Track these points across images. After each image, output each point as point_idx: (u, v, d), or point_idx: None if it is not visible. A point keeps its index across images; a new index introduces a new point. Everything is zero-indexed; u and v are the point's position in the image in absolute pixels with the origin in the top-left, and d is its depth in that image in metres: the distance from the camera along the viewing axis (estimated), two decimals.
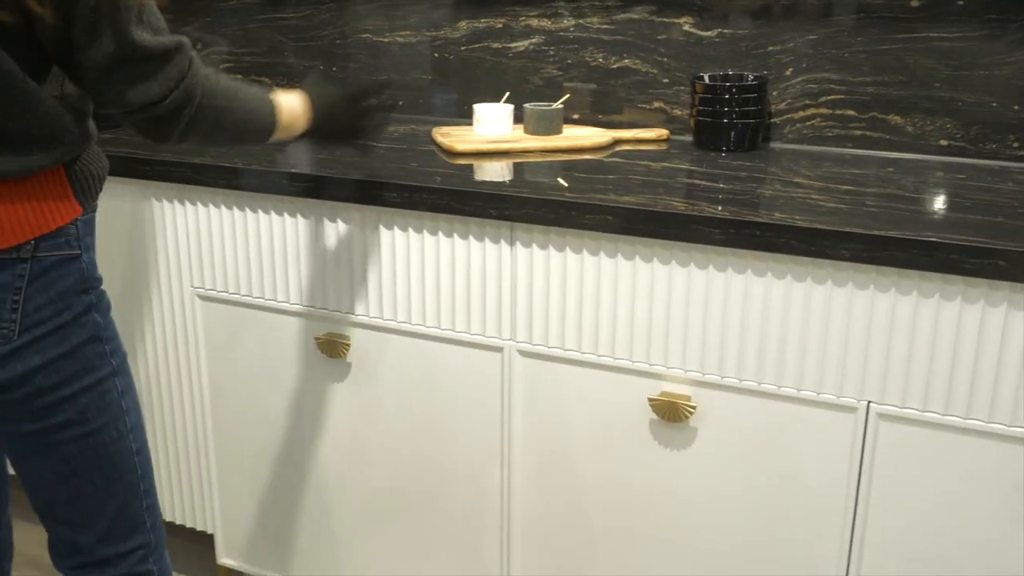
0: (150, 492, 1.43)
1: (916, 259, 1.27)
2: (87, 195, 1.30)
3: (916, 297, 1.31)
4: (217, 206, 1.77)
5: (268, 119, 1.38)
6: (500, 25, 2.07)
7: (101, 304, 1.34)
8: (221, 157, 1.77)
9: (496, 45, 2.08)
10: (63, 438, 1.31)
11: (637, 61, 1.97)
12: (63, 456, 1.32)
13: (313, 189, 1.65)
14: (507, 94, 2.08)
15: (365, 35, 2.20)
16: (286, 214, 1.71)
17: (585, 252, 1.49)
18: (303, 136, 1.47)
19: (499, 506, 1.70)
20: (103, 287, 1.36)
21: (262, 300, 1.80)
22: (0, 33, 1.11)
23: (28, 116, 1.17)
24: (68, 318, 1.28)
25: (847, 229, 1.31)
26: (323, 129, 1.48)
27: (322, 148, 1.70)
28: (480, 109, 1.90)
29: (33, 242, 1.23)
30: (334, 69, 2.27)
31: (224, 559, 2.05)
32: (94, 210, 1.33)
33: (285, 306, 1.78)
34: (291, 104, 1.42)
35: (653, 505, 1.57)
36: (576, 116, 2.05)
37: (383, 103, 1.55)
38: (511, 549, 1.72)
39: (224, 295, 1.83)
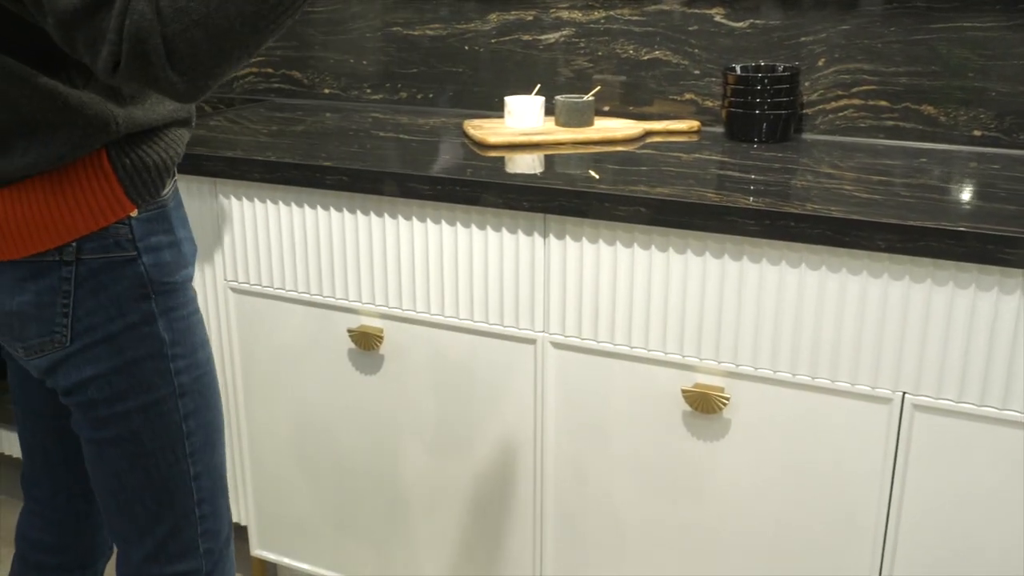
0: (209, 517, 1.34)
1: (951, 249, 1.29)
2: (142, 190, 1.17)
3: (952, 288, 1.32)
4: (251, 200, 1.80)
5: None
6: (530, 17, 2.09)
7: (171, 314, 1.23)
8: (253, 150, 1.79)
9: (527, 37, 2.10)
10: (114, 453, 1.25)
11: (668, 52, 1.98)
12: (114, 471, 1.27)
13: (347, 183, 1.67)
14: (538, 86, 2.09)
15: (395, 28, 2.23)
16: (319, 207, 1.74)
17: (618, 244, 1.51)
18: None
19: (532, 499, 1.73)
20: (186, 293, 1.25)
21: (295, 293, 1.82)
22: None
23: (37, 102, 1.06)
24: (120, 327, 1.20)
25: (882, 220, 1.32)
26: None
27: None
28: (511, 101, 1.92)
29: (75, 244, 1.15)
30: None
31: (258, 551, 2.08)
32: (160, 206, 1.21)
33: (318, 299, 1.80)
34: None
35: (686, 496, 1.59)
36: (607, 108, 2.07)
37: None
38: (544, 541, 1.74)
39: (257, 288, 1.86)
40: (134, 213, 1.18)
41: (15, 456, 2.44)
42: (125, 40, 0.90)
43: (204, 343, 1.30)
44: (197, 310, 1.30)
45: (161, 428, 1.25)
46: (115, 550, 1.39)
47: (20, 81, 1.06)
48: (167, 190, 1.22)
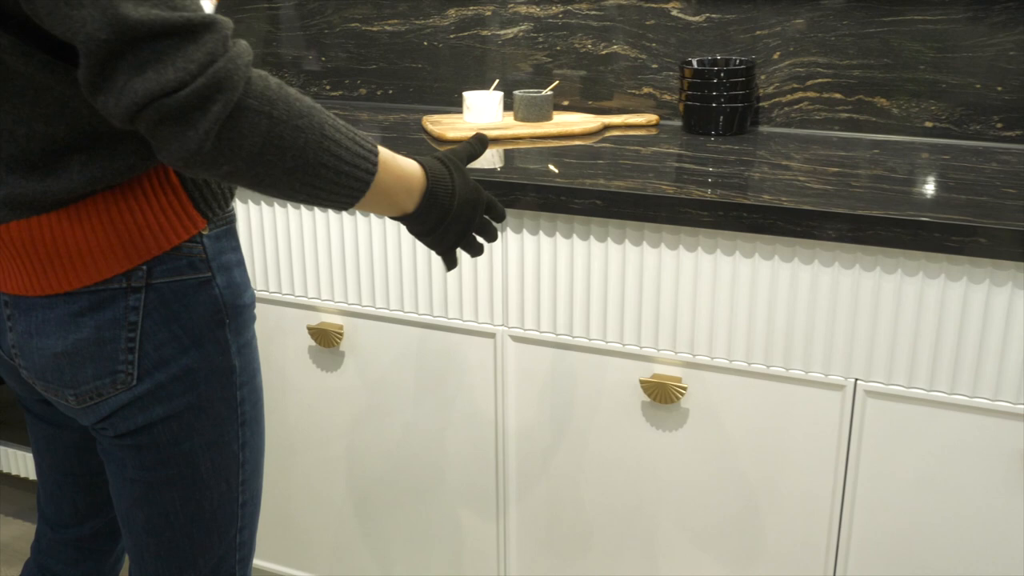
0: (247, 543, 1.27)
1: (900, 238, 1.32)
2: (212, 203, 1.08)
3: (900, 275, 1.36)
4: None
5: (360, 163, 0.99)
6: (489, 12, 2.11)
7: (241, 338, 1.15)
8: None
9: (485, 33, 2.13)
10: (169, 494, 1.15)
11: (626, 47, 2.01)
12: (162, 509, 1.16)
13: None
14: (496, 81, 2.12)
15: (354, 24, 2.24)
16: (277, 205, 1.76)
17: (575, 237, 1.54)
18: (405, 219, 1.10)
19: (494, 491, 1.75)
20: (252, 315, 1.16)
21: (255, 291, 1.84)
22: (24, 24, 0.92)
23: (93, 107, 0.96)
24: (197, 360, 1.09)
25: (833, 209, 1.35)
26: (432, 223, 1.11)
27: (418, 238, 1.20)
28: (470, 97, 1.94)
29: (145, 267, 1.04)
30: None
31: None
32: (229, 221, 1.12)
33: (277, 296, 1.82)
34: (401, 166, 1.05)
35: (646, 485, 1.62)
36: (566, 103, 2.10)
37: (495, 216, 1.20)
38: (507, 533, 1.77)
39: None
40: (205, 230, 1.08)
41: (5, 472, 2.44)
42: (205, 76, 0.85)
43: (259, 367, 1.22)
44: (255, 333, 1.21)
45: (220, 461, 1.17)
46: None
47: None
48: (233, 202, 1.14)
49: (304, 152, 0.92)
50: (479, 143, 1.20)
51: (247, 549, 1.28)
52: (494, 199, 1.18)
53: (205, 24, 0.86)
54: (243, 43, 0.90)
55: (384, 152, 1.03)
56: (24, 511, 2.53)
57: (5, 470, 2.44)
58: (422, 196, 1.09)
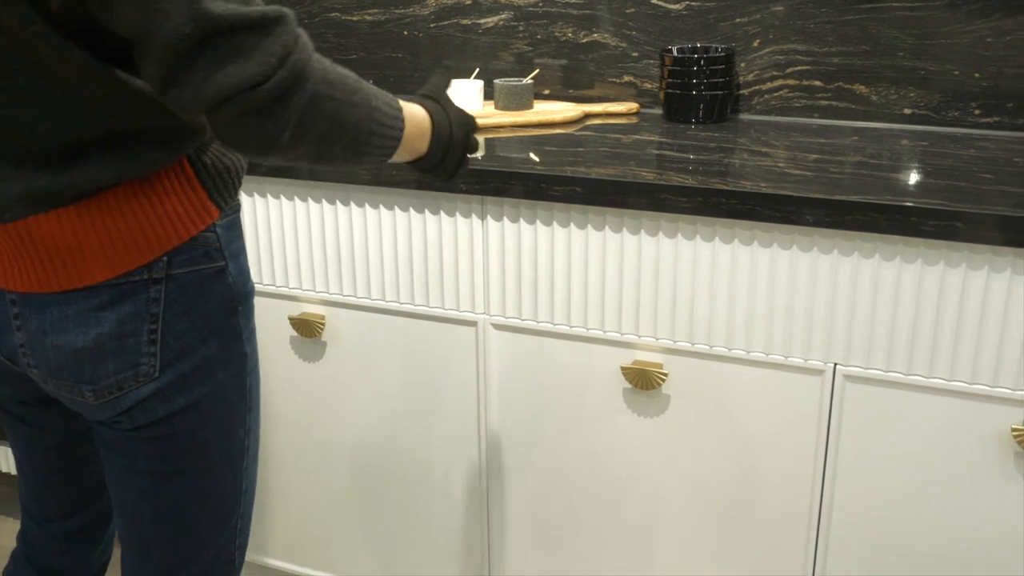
0: (244, 530, 1.28)
1: (878, 223, 1.34)
2: (223, 193, 1.10)
3: (878, 260, 1.38)
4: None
5: (394, 123, 1.06)
6: (469, 1, 2.12)
7: (249, 325, 1.16)
8: None
9: (465, 21, 2.13)
10: (178, 482, 1.16)
11: (606, 35, 2.02)
12: (172, 500, 1.17)
13: (284, 169, 1.69)
14: (477, 70, 2.13)
15: (333, 14, 2.25)
16: (256, 195, 1.76)
17: (555, 224, 1.55)
18: (415, 163, 1.17)
19: (478, 479, 1.76)
20: (252, 298, 1.18)
21: None
22: (67, 20, 0.92)
23: (137, 108, 0.98)
24: (216, 349, 1.11)
25: (811, 195, 1.37)
26: (439, 156, 1.18)
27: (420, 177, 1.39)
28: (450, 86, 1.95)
29: (166, 257, 1.05)
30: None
31: None
32: (236, 210, 1.14)
33: (258, 287, 1.82)
34: (414, 113, 1.12)
35: (629, 471, 1.64)
36: (547, 92, 2.11)
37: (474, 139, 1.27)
38: (491, 522, 1.78)
39: None
40: (218, 219, 1.09)
41: None
42: (284, 69, 0.89)
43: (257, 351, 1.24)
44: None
45: (228, 449, 1.18)
46: None
47: (122, 87, 0.96)
48: (240, 192, 1.16)
49: (359, 125, 0.99)
50: (445, 70, 1.28)
51: (244, 536, 1.29)
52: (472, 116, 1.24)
53: (277, 18, 0.90)
54: (304, 32, 0.94)
55: (402, 104, 1.09)
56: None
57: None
58: (432, 137, 1.14)
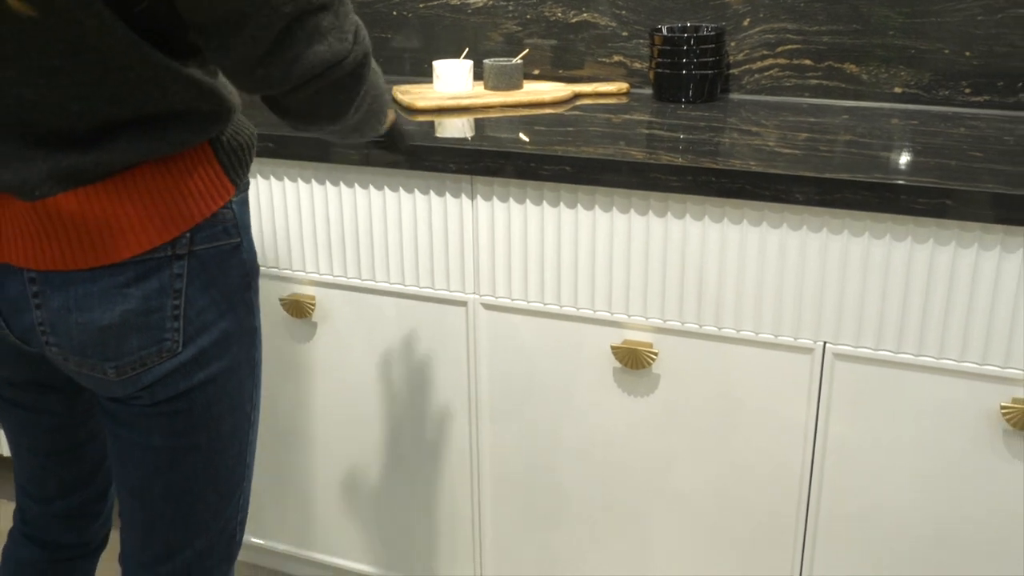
0: (245, 505, 1.30)
1: (867, 201, 1.34)
2: (238, 170, 1.12)
3: (868, 239, 1.38)
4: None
5: (387, 94, 1.17)
6: None
7: (257, 301, 1.20)
8: None
9: (455, 2, 2.13)
10: (191, 457, 1.17)
11: (596, 15, 2.02)
12: (184, 475, 1.18)
13: (273, 149, 1.69)
14: (466, 50, 2.13)
15: None
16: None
17: (545, 204, 1.55)
18: (383, 138, 1.30)
19: (468, 461, 1.77)
20: (259, 274, 1.21)
21: None
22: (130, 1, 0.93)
23: (165, 88, 0.99)
24: (232, 324, 1.14)
25: (801, 173, 1.37)
26: (398, 131, 1.33)
27: (380, 151, 1.55)
28: (439, 66, 1.94)
29: (188, 234, 1.07)
30: None
31: None
32: (247, 187, 1.17)
33: None
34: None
35: (619, 450, 1.64)
36: (536, 72, 2.11)
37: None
38: (481, 502, 1.79)
39: None
40: (234, 195, 1.12)
41: None
42: (360, 44, 0.99)
43: None
44: None
45: (238, 423, 1.20)
46: (123, 557, 1.30)
47: (164, 70, 0.98)
48: (250, 170, 1.18)
49: (382, 103, 1.11)
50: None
51: (246, 511, 1.31)
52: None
53: None
54: None
55: None
56: None
57: None
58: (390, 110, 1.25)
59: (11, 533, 1.42)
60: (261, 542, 2.04)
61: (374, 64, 1.06)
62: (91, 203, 1.02)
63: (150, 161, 1.03)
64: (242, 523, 1.30)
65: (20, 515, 1.40)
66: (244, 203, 1.15)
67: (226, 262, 1.12)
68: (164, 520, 1.22)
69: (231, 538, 1.29)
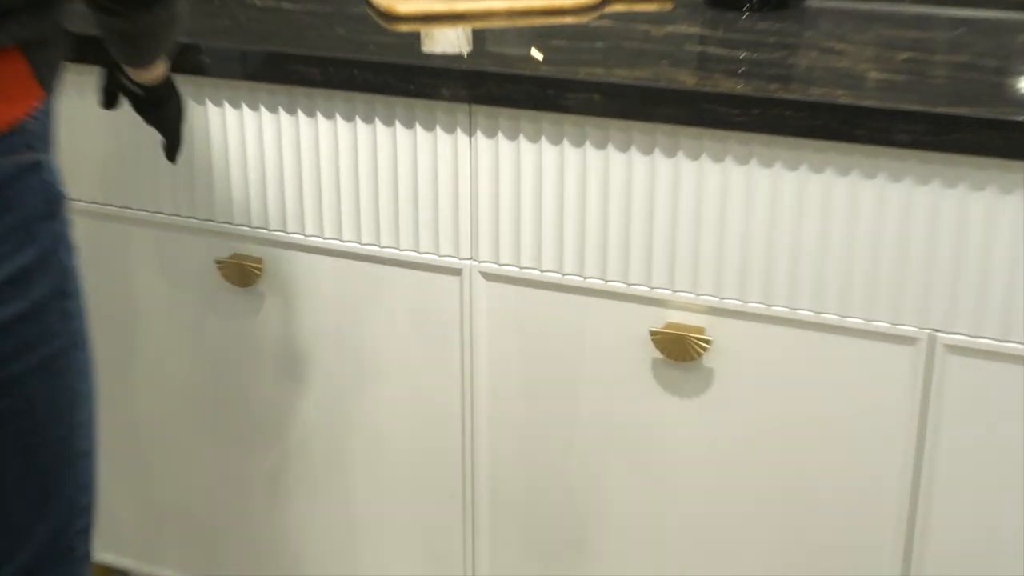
0: (89, 509, 1.33)
1: (992, 143, 1.31)
2: (48, 73, 1.17)
3: (995, 194, 1.35)
4: (68, 93, 1.76)
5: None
6: None
7: (66, 235, 1.23)
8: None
9: None
10: None
11: None
12: None
13: (209, 65, 1.66)
14: None
15: None
16: None
17: (566, 143, 1.52)
18: (158, 85, 1.46)
19: (460, 477, 1.76)
20: (67, 206, 1.25)
21: (145, 214, 1.82)
22: None
23: None
24: (33, 257, 1.16)
25: (904, 107, 1.34)
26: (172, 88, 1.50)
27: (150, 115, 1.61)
28: None
29: None
30: None
31: (101, 554, 2.07)
32: (53, 97, 1.22)
33: (177, 221, 1.80)
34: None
35: (659, 467, 1.63)
36: None
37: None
38: (476, 526, 1.78)
39: (94, 207, 1.85)
40: (39, 103, 1.15)
41: None
42: None
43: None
44: None
45: (56, 390, 1.23)
46: None
47: None
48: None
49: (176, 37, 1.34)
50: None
51: (91, 516, 1.32)
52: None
53: None
54: None
55: None
56: None
57: None
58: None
59: None
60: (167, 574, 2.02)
61: None
62: None
63: None
64: (82, 535, 1.31)
65: None
66: (48, 115, 1.18)
67: (26, 182, 1.14)
68: None
69: (69, 554, 1.29)
